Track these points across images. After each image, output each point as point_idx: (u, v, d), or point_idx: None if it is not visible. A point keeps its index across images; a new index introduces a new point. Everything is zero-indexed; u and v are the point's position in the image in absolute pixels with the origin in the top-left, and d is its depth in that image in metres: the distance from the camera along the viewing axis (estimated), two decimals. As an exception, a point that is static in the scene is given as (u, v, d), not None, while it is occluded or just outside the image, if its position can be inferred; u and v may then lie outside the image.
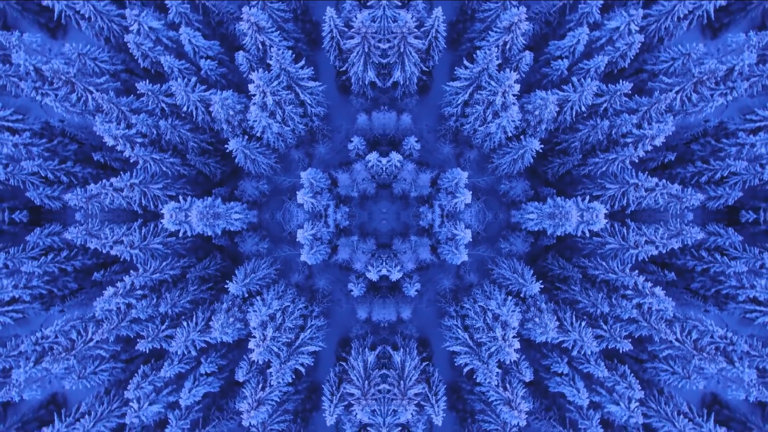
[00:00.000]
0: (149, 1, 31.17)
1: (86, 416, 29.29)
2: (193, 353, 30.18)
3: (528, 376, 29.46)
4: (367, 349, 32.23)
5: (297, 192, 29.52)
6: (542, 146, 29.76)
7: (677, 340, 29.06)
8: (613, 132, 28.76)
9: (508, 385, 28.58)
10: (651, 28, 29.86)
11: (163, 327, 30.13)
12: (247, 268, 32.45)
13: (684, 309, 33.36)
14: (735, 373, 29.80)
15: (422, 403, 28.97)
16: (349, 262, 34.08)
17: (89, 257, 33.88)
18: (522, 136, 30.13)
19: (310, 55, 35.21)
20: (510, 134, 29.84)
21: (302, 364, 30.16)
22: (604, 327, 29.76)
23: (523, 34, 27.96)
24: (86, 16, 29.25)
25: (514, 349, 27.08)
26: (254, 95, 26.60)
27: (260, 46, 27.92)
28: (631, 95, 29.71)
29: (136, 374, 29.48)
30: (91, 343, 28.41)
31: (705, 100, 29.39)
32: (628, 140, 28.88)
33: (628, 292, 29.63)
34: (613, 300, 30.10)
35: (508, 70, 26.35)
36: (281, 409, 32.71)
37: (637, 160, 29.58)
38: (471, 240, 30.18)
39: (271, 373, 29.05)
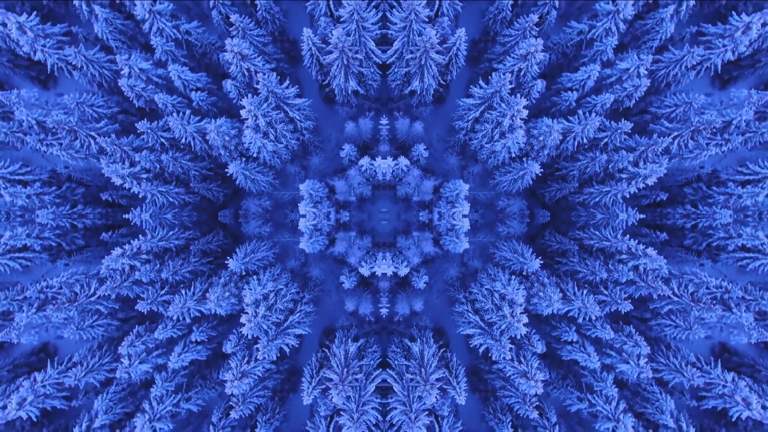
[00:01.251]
0: (134, 42, 33.73)
1: (78, 366, 31.56)
2: (187, 320, 32.46)
3: (540, 348, 31.35)
4: (350, 340, 34.54)
5: (298, 204, 31.70)
6: (542, 170, 31.95)
7: (674, 294, 30.97)
8: (610, 166, 30.99)
9: (522, 359, 30.59)
10: (660, 73, 32.17)
11: (162, 292, 32.35)
12: (247, 248, 34.67)
13: (680, 266, 35.26)
14: (734, 318, 31.72)
15: (444, 387, 30.85)
16: (344, 256, 36.01)
17: (99, 217, 36.16)
18: (524, 158, 32.43)
19: (293, 72, 37.19)
20: (513, 155, 32.11)
21: (287, 345, 32.29)
22: (605, 292, 31.84)
23: (538, 63, 30.24)
24: (78, 65, 31.47)
25: (523, 324, 28.98)
26: (247, 119, 28.78)
27: (246, 72, 30.08)
28: (631, 134, 31.89)
29: (130, 333, 31.69)
30: (93, 298, 30.58)
31: (701, 148, 31.66)
32: (623, 176, 31.29)
33: (623, 256, 31.46)
34: (610, 266, 31.93)
35: (519, 95, 28.58)
36: (262, 385, 34.96)
37: (628, 196, 32.03)
38: (470, 228, 32.23)
39: (257, 348, 31.35)
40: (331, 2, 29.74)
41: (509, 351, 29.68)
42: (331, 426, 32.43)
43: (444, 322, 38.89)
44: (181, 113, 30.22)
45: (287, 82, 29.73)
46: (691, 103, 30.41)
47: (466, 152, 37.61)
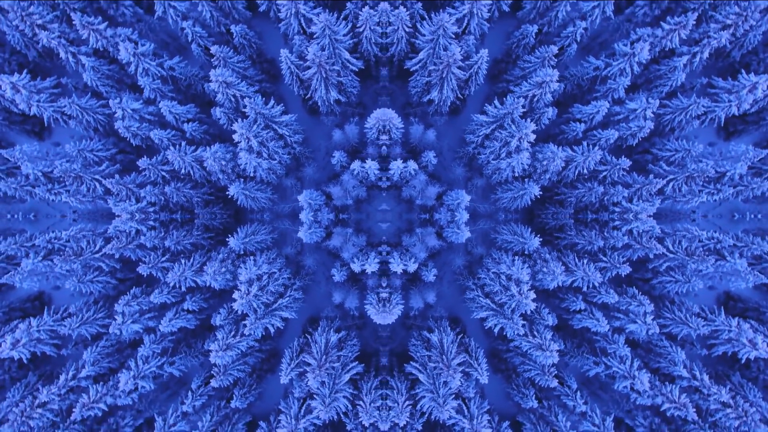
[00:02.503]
0: (122, 84, 35.87)
1: (73, 317, 33.75)
2: (183, 289, 34.69)
3: (551, 320, 33.61)
4: (332, 331, 36.81)
5: (299, 215, 34.01)
6: (542, 193, 34.42)
7: (669, 251, 33.14)
8: (606, 198, 33.45)
9: (536, 333, 32.67)
10: (666, 117, 34.55)
11: (163, 259, 34.55)
12: (248, 229, 36.96)
13: (672, 224, 36.97)
14: (729, 266, 33.81)
15: (467, 370, 32.97)
16: (338, 250, 37.93)
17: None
18: (526, 179, 34.91)
19: (275, 91, 39.42)
20: (517, 174, 34.44)
21: (273, 325, 34.44)
22: (604, 259, 34.00)
23: (552, 92, 32.63)
24: (73, 114, 33.65)
25: (531, 299, 31.13)
26: (239, 142, 31.00)
27: (232, 99, 32.24)
28: (629, 171, 34.01)
29: (127, 293, 33.89)
30: (97, 254, 32.80)
31: (693, 193, 34.20)
32: (617, 209, 33.90)
33: (617, 222, 33.54)
34: (605, 233, 33.93)
35: (529, 120, 30.95)
36: (243, 360, 37.17)
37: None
38: (469, 217, 34.19)
39: (245, 324, 33.63)
40: (302, 20, 31.82)
41: (522, 327, 31.85)
42: (303, 408, 34.65)
43: (458, 310, 41.00)
44: (177, 146, 32.49)
45: (272, 101, 31.89)
46: (689, 151, 32.86)
47: (472, 165, 39.85)
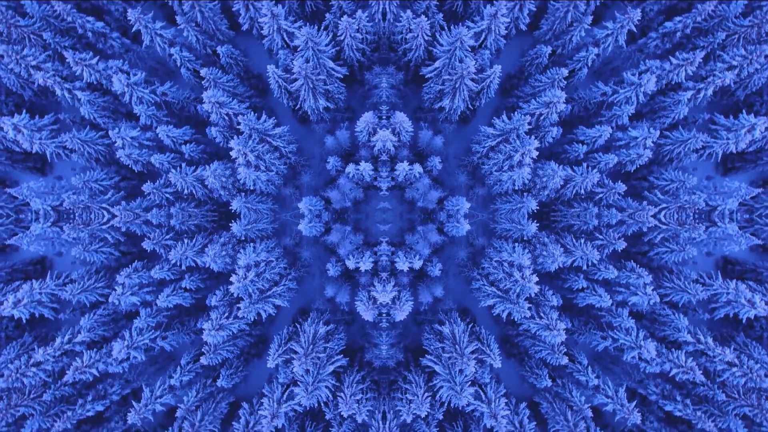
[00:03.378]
0: (118, 114, 37.73)
1: (75, 283, 35.52)
2: (183, 267, 36.54)
3: (556, 301, 35.43)
4: (321, 323, 38.69)
5: (300, 221, 35.80)
6: (539, 207, 36.12)
7: (661, 222, 34.65)
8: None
9: (542, 314, 34.38)
10: (666, 148, 36.59)
11: (167, 236, 36.38)
12: (251, 216, 38.98)
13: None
14: (722, 231, 35.10)
15: (480, 357, 34.78)
16: (335, 246, 39.63)
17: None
18: (525, 193, 36.86)
19: (265, 104, 41.37)
20: (517, 188, 36.43)
21: (265, 311, 36.07)
22: (600, 236, 35.70)
23: (558, 112, 34.61)
24: (74, 148, 35.49)
25: (535, 282, 32.86)
26: (237, 158, 32.87)
27: (226, 117, 33.92)
28: (624, 196, 35.97)
29: (129, 266, 35.69)
30: (105, 226, 34.58)
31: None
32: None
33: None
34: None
35: (534, 137, 32.91)
36: (233, 342, 38.97)
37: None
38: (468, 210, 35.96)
39: (239, 307, 35.47)
40: (284, 35, 33.48)
41: (528, 310, 33.52)
42: (286, 393, 36.37)
43: (466, 301, 43.04)
44: (177, 168, 34.38)
45: (264, 116, 33.62)
46: (684, 182, 34.92)
47: (475, 174, 41.61)
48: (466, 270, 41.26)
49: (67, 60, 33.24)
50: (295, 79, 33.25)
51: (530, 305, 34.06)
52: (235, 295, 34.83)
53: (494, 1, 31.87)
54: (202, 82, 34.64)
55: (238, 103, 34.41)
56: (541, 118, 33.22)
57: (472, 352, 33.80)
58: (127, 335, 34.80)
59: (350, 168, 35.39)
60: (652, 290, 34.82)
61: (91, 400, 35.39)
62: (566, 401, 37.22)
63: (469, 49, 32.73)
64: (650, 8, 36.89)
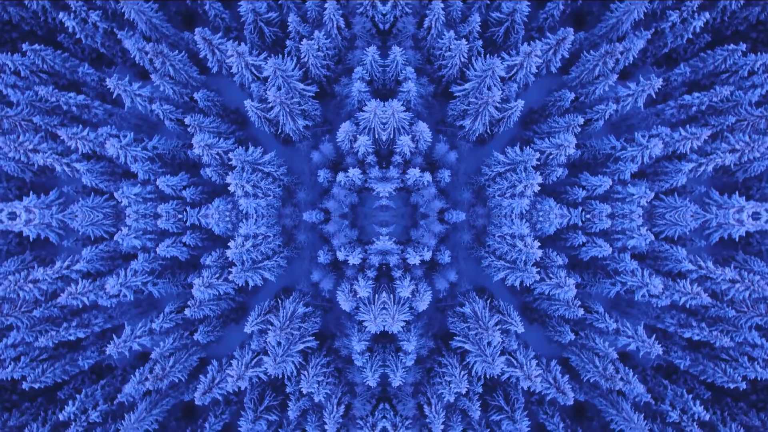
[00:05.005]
0: (116, 175, 41.53)
1: (79, 218, 39.14)
2: (188, 224, 40.24)
3: (561, 260, 38.43)
4: (302, 304, 42.45)
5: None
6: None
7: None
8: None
9: (551, 275, 37.72)
10: (658, 210, 40.84)
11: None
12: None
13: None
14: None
15: (503, 327, 37.98)
16: (330, 236, 43.13)
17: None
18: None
19: (248, 135, 45.23)
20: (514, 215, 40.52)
21: (253, 280, 39.18)
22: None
23: (568, 155, 38.60)
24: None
25: (537, 248, 36.26)
26: (235, 191, 36.67)
27: (216, 156, 37.51)
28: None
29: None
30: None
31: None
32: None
33: None
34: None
35: (539, 173, 36.87)
36: (216, 302, 42.76)
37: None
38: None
39: (230, 271, 39.22)
40: (252, 69, 36.76)
41: (537, 274, 36.62)
42: (255, 360, 39.06)
43: (480, 280, 46.60)
44: (183, 213, 38.33)
45: (250, 147, 37.05)
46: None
47: (480, 194, 44.81)
48: (474, 251, 44.72)
49: (61, 137, 36.88)
50: (272, 107, 36.83)
51: (538, 269, 37.31)
52: (230, 259, 38.01)
53: (532, 41, 35.81)
54: (188, 129, 38.25)
55: (224, 140, 38.31)
56: (550, 157, 37.12)
57: (496, 324, 36.89)
58: (122, 273, 38.30)
59: (341, 176, 38.88)
60: (647, 230, 37.75)
61: (75, 326, 38.90)
62: (592, 350, 40.43)
63: (499, 79, 36.50)
64: (675, 78, 40.95)
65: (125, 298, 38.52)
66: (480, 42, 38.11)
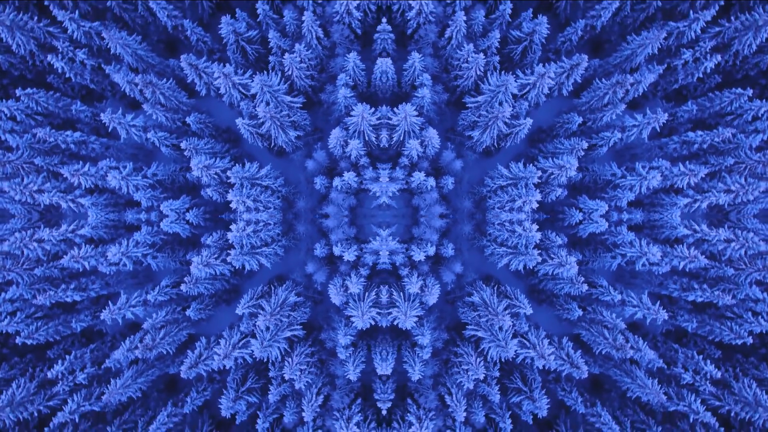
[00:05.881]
0: (119, 206, 43.68)
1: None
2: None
3: (560, 240, 40.35)
4: (294, 293, 44.46)
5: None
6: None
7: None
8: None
9: (552, 255, 39.60)
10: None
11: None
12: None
13: None
14: None
15: (512, 311, 39.80)
16: (329, 230, 45.15)
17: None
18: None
19: (242, 152, 47.48)
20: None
21: (250, 264, 41.08)
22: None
23: (569, 177, 40.69)
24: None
25: (536, 231, 38.15)
26: (237, 207, 38.83)
27: (215, 176, 39.47)
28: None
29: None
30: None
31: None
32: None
33: None
34: None
35: (539, 191, 38.75)
36: (211, 282, 44.69)
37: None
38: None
39: (228, 253, 41.18)
40: (239, 88, 38.79)
41: (539, 256, 38.49)
42: (242, 341, 40.79)
43: (485, 268, 48.78)
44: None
45: (246, 163, 38.97)
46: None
47: (480, 205, 46.82)
48: (476, 241, 46.70)
49: (64, 175, 38.87)
50: (263, 122, 38.92)
51: (539, 251, 39.26)
52: (230, 242, 39.87)
53: (547, 63, 37.88)
54: (184, 153, 40.26)
55: (221, 159, 40.29)
56: (552, 176, 39.21)
57: (505, 309, 38.86)
58: (124, 243, 40.31)
59: (336, 181, 41.02)
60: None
61: (73, 289, 40.81)
62: (601, 323, 42.39)
63: (511, 96, 38.53)
64: (682, 114, 43.10)
65: (124, 268, 40.36)
66: (497, 57, 40.06)
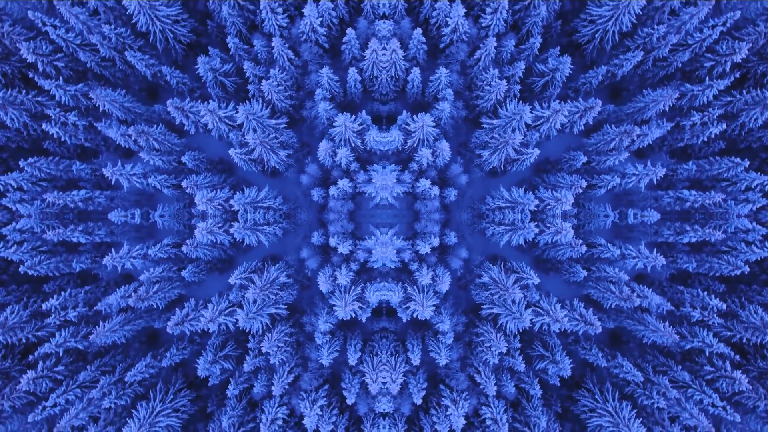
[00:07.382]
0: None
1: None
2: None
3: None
4: (285, 274, 47.88)
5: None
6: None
7: None
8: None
9: (548, 224, 42.61)
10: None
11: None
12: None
13: None
14: None
15: (522, 284, 43.21)
16: (328, 222, 48.29)
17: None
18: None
19: (238, 179, 50.84)
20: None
21: (249, 238, 44.30)
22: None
23: (563, 211, 44.15)
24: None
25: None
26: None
27: (219, 208, 42.81)
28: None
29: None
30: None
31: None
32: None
33: None
34: None
35: (534, 223, 42.19)
36: (210, 248, 48.35)
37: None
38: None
39: (232, 225, 44.55)
40: (226, 121, 42.07)
41: (535, 227, 41.66)
42: (229, 309, 44.04)
43: (489, 249, 52.02)
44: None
45: (246, 189, 42.28)
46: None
47: (479, 219, 51.54)
48: (476, 226, 49.95)
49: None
50: (253, 149, 42.35)
51: (535, 222, 42.49)
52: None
53: (564, 101, 41.59)
54: (186, 191, 43.65)
55: (219, 190, 43.65)
56: (548, 208, 43.07)
57: (514, 283, 42.27)
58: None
59: (332, 190, 44.37)
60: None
61: (80, 231, 44.47)
62: (606, 279, 45.72)
63: (525, 125, 42.26)
64: (681, 172, 46.97)
65: (132, 219, 43.97)
66: (518, 86, 43.68)
